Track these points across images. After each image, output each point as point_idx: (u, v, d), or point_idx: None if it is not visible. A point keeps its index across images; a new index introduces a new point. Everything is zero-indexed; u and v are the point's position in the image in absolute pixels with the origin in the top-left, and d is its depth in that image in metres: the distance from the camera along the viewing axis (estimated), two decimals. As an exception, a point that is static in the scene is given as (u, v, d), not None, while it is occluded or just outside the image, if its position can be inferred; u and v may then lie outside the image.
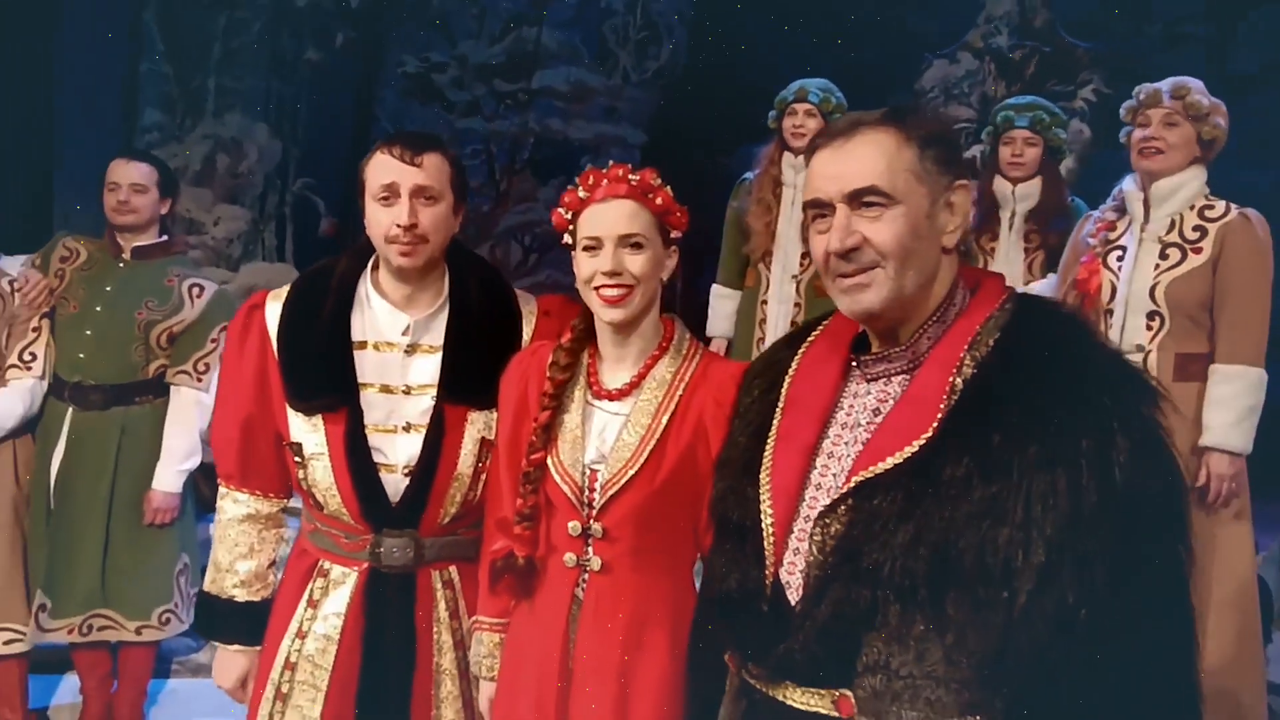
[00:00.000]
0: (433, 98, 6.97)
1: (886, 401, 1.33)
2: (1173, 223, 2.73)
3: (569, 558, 1.73)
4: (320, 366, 1.89)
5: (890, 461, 1.24)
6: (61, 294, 3.04)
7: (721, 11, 7.28)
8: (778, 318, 3.47)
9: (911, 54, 6.79)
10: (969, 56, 4.86)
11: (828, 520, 1.28)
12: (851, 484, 1.26)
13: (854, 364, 1.38)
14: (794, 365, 1.47)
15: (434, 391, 1.90)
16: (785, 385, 1.45)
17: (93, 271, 3.07)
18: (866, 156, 1.28)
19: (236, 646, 2.00)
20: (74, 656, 3.21)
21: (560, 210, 1.76)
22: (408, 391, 1.90)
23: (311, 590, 1.92)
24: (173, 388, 3.09)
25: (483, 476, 1.91)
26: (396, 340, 1.91)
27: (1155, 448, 1.18)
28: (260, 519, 1.99)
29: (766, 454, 1.39)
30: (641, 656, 1.69)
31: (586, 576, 1.73)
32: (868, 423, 1.33)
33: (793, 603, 1.30)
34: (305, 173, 6.26)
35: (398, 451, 1.88)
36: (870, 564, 1.21)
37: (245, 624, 1.98)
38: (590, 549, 1.72)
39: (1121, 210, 2.87)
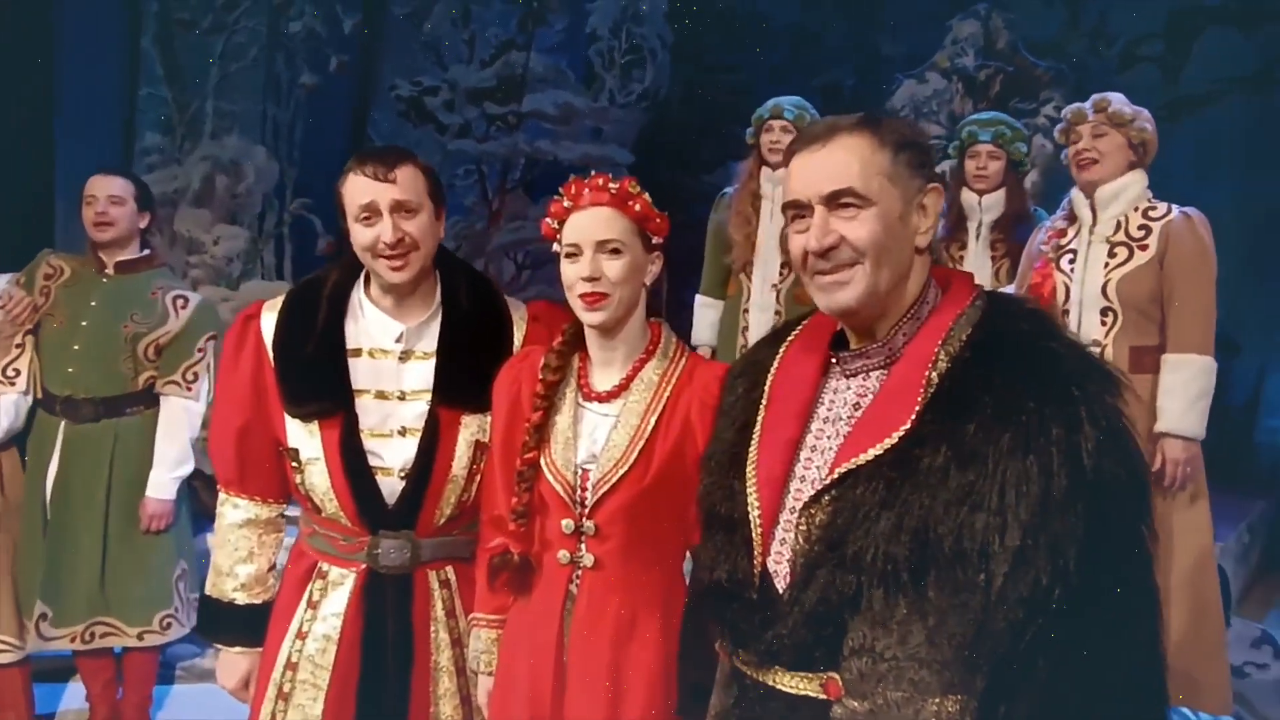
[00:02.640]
0: (425, 120, 6.97)
1: (866, 396, 1.33)
2: (1119, 224, 2.80)
3: (562, 555, 1.72)
4: (315, 374, 1.88)
5: (871, 453, 1.24)
6: (47, 310, 3.00)
7: (700, 36, 7.32)
8: (759, 325, 3.48)
9: (881, 75, 6.83)
10: (937, 76, 4.90)
11: (812, 510, 1.28)
12: (835, 475, 1.26)
13: (834, 360, 1.38)
14: (775, 363, 1.47)
15: (428, 396, 1.89)
16: (768, 383, 1.45)
17: (77, 287, 3.02)
18: (842, 160, 1.29)
19: (239, 649, 1.98)
20: (78, 664, 3.18)
21: (548, 220, 1.77)
22: (402, 397, 1.89)
23: (311, 592, 1.91)
24: (163, 397, 3.05)
25: (477, 478, 1.91)
26: (390, 347, 1.91)
27: (1119, 434, 1.19)
28: (260, 524, 1.98)
29: (752, 449, 1.39)
30: (633, 649, 1.69)
31: (580, 573, 1.72)
32: (848, 416, 1.33)
33: (780, 590, 1.30)
34: (302, 193, 6.25)
35: (393, 455, 1.87)
36: (854, 551, 1.21)
37: (246, 626, 1.97)
38: (583, 546, 1.72)
39: (1071, 219, 2.93)
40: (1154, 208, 2.79)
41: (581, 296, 1.68)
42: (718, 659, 1.47)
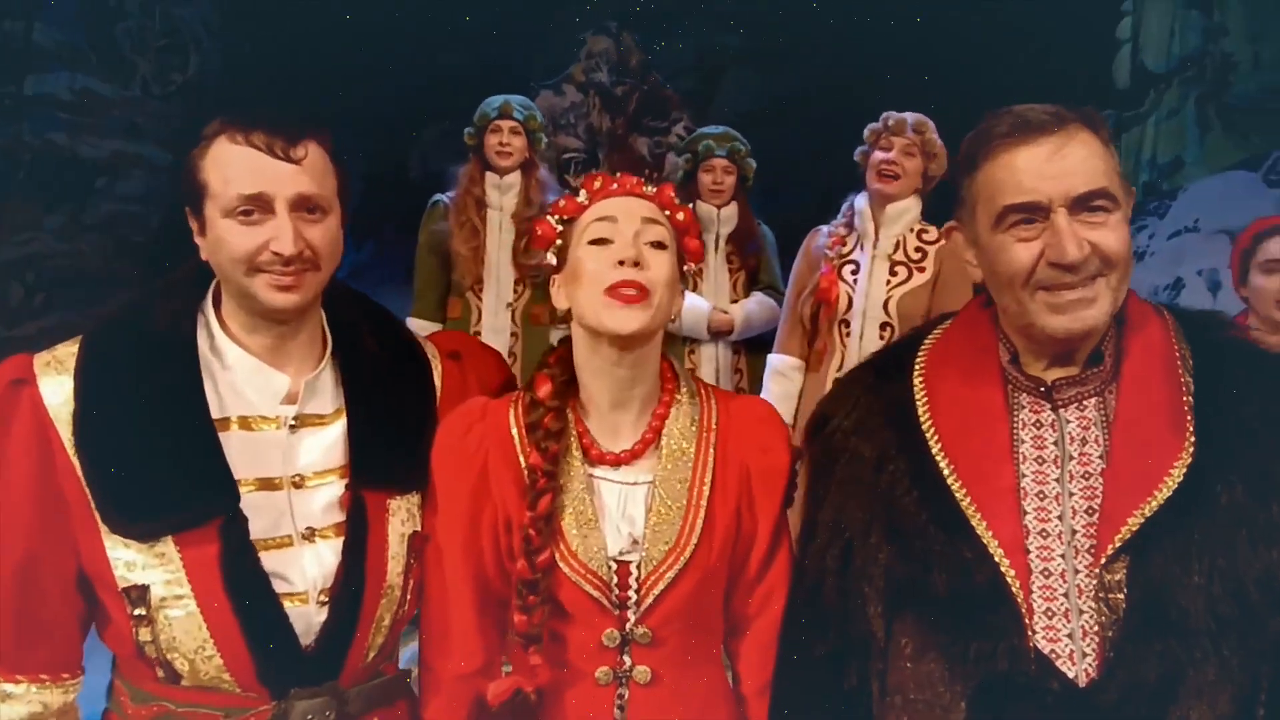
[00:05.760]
0: (-127, 100, 5.18)
1: (1089, 428, 1.13)
2: (897, 243, 2.88)
3: (603, 674, 1.26)
4: (166, 464, 1.17)
5: (1160, 496, 1.05)
6: None
7: (254, 26, 6.42)
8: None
9: (452, 84, 6.56)
10: (573, 89, 4.79)
11: (1102, 573, 1.05)
12: (1128, 526, 1.05)
13: (1040, 389, 1.16)
14: (921, 398, 1.21)
15: (336, 479, 1.28)
16: (926, 422, 1.18)
17: None
18: (1084, 157, 1.10)
19: None
20: None
21: (550, 220, 1.29)
22: (299, 483, 1.26)
23: (168, 810, 1.18)
24: None
25: (411, 584, 1.33)
26: (274, 412, 1.26)
27: None
28: (51, 717, 1.18)
29: (965, 504, 1.11)
30: None
31: (626, 693, 1.27)
32: (1079, 454, 1.12)
33: (1069, 674, 1.04)
34: None
35: (304, 571, 1.23)
36: (1177, 614, 1.02)
37: None
38: (628, 658, 1.27)
39: (850, 226, 2.95)
40: (927, 231, 2.88)
41: (616, 289, 1.22)
42: None
